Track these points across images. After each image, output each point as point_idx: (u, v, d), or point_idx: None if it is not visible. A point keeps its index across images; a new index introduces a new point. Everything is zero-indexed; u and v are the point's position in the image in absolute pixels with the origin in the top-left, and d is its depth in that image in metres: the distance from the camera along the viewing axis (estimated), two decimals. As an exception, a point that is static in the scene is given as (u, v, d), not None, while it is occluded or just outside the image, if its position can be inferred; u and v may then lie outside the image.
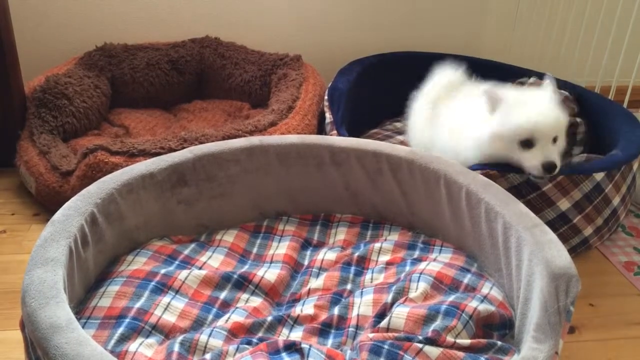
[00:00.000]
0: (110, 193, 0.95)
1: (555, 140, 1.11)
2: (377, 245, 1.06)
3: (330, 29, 1.85)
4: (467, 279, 0.95)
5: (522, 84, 1.49)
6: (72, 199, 0.92)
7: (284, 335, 0.89)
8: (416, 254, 1.04)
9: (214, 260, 1.03)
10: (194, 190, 1.09)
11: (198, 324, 0.89)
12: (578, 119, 1.40)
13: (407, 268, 0.99)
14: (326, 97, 1.48)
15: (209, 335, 0.84)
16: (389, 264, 1.02)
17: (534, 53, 1.78)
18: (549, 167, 1.07)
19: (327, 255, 1.06)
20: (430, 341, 0.79)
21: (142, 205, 1.02)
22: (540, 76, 1.50)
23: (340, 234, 1.13)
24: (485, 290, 0.93)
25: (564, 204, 1.12)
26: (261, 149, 1.13)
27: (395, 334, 0.81)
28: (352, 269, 1.02)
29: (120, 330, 0.84)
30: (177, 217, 1.09)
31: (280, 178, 1.15)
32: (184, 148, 1.16)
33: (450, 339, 0.80)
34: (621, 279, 1.16)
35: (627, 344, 1.00)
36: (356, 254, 1.04)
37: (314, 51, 1.78)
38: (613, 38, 1.57)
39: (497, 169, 1.11)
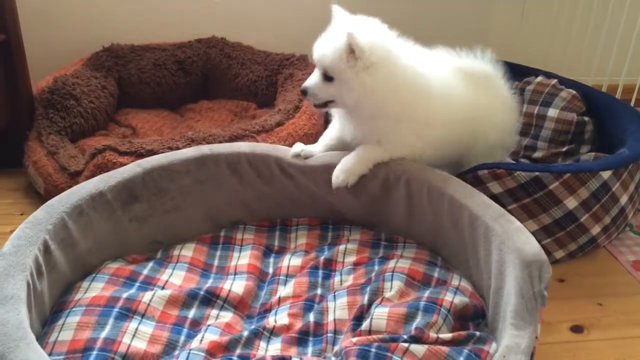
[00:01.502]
0: (60, 217, 0.88)
1: (328, 77, 1.03)
2: (341, 246, 1.05)
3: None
4: (436, 272, 0.96)
5: (529, 83, 1.49)
6: (20, 227, 0.84)
7: (262, 348, 0.86)
8: (381, 252, 1.04)
9: (176, 278, 0.99)
10: (146, 206, 1.04)
11: (170, 348, 0.85)
12: (586, 118, 1.40)
13: (376, 267, 0.99)
14: None
15: (187, 359, 0.80)
16: (356, 264, 1.02)
17: (540, 52, 1.76)
18: (303, 90, 1.06)
19: (292, 261, 1.04)
20: (415, 339, 0.80)
21: (94, 227, 0.96)
22: (548, 75, 1.50)
23: (301, 238, 1.11)
24: (455, 282, 0.94)
25: (571, 202, 1.10)
26: (211, 158, 1.10)
27: (379, 336, 0.81)
28: (320, 272, 1.01)
29: (89, 364, 0.78)
30: (129, 235, 1.03)
31: (233, 187, 1.12)
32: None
33: (433, 334, 0.81)
34: (629, 279, 1.14)
35: (636, 344, 0.99)
36: (322, 257, 1.03)
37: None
38: (620, 36, 1.56)
39: (504, 167, 1.10)
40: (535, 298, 0.79)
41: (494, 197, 1.06)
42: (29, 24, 1.49)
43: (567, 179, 1.09)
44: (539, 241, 0.86)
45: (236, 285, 0.97)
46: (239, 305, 0.95)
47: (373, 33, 1.04)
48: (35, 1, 1.65)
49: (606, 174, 1.11)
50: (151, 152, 1.20)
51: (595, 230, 1.15)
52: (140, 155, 1.20)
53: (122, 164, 1.17)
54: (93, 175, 1.18)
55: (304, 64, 1.65)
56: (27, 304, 0.75)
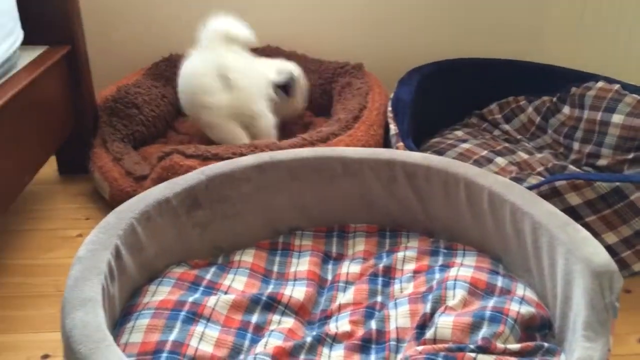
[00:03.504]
0: (130, 223, 0.91)
1: None
2: (400, 254, 1.05)
3: (387, 38, 1.83)
4: (500, 281, 0.95)
5: (589, 88, 1.47)
6: (93, 232, 0.88)
7: (325, 355, 0.87)
8: (440, 259, 1.04)
9: (238, 283, 1.00)
10: (208, 212, 1.06)
11: (235, 352, 0.87)
12: None
13: (437, 275, 0.98)
14: (390, 108, 1.46)
15: (253, 363, 0.82)
16: (416, 272, 1.01)
17: (599, 56, 1.72)
18: None
19: (350, 268, 1.05)
20: (482, 349, 0.79)
21: (160, 232, 0.99)
22: (609, 80, 1.47)
23: (359, 245, 1.11)
24: (519, 292, 0.93)
25: (653, 213, 1.07)
26: (272, 165, 1.11)
27: (445, 345, 0.81)
28: (380, 280, 1.01)
29: (160, 366, 0.80)
30: (192, 241, 1.05)
31: (293, 193, 1.13)
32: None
33: (500, 345, 0.80)
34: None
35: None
36: (381, 265, 1.03)
37: (370, 59, 1.75)
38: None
39: (584, 177, 1.08)
40: (606, 309, 0.77)
41: (572, 209, 1.04)
42: (93, 36, 1.55)
43: None
44: (619, 253, 0.83)
45: (297, 292, 0.98)
46: (300, 311, 0.96)
47: None
48: (99, 15, 1.73)
49: (688, 182, 1.07)
50: (216, 156, 1.23)
51: (675, 239, 1.11)
52: (205, 158, 1.23)
53: (188, 166, 1.21)
54: (160, 177, 1.23)
55: (361, 73, 1.65)
56: (102, 306, 0.77)
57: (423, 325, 0.88)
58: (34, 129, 1.29)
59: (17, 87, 1.19)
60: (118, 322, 0.88)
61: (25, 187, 1.27)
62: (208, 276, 1.00)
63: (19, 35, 1.30)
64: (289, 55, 1.75)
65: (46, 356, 1.01)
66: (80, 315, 0.70)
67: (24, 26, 1.32)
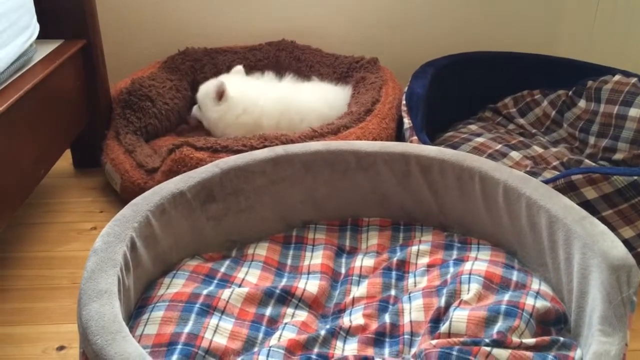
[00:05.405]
0: (145, 216, 0.92)
1: None
2: (414, 248, 1.05)
3: (401, 31, 1.83)
4: (514, 275, 0.94)
5: (606, 82, 1.45)
6: (109, 224, 0.88)
7: (339, 348, 0.87)
8: (455, 253, 1.03)
9: (251, 276, 1.01)
10: (222, 206, 1.07)
11: (249, 344, 0.87)
12: None
13: (451, 269, 0.98)
14: (404, 102, 1.46)
15: (267, 356, 0.82)
16: (430, 266, 1.01)
17: (616, 49, 1.71)
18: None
19: (364, 261, 1.05)
20: (497, 343, 0.78)
21: (174, 225, 0.99)
22: (626, 73, 1.45)
23: (373, 239, 1.11)
24: (535, 286, 0.92)
25: (671, 208, 1.05)
26: (286, 158, 1.11)
27: (460, 339, 0.80)
28: (393, 273, 1.01)
29: (175, 357, 0.80)
30: (206, 234, 1.06)
31: (306, 187, 1.13)
32: (265, 147, 1.21)
33: (515, 339, 0.80)
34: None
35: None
36: (395, 259, 1.03)
37: (384, 53, 1.76)
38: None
39: (601, 171, 1.07)
40: (624, 304, 0.77)
41: (588, 203, 1.03)
42: (109, 30, 1.57)
43: None
44: (636, 248, 0.82)
45: (310, 285, 0.98)
46: (314, 305, 0.96)
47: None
48: (115, 8, 1.74)
49: None
50: (226, 149, 1.23)
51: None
52: (215, 150, 1.23)
53: (198, 159, 1.21)
54: (170, 170, 1.23)
55: (375, 67, 1.64)
56: (118, 298, 0.78)
57: (437, 319, 0.87)
58: (49, 122, 1.30)
59: (33, 80, 1.20)
60: (133, 314, 0.89)
61: (41, 180, 1.28)
62: (222, 269, 1.01)
63: (35, 29, 1.30)
64: (304, 49, 1.74)
65: (62, 347, 1.02)
66: (96, 306, 0.71)
67: (41, 20, 1.33)
